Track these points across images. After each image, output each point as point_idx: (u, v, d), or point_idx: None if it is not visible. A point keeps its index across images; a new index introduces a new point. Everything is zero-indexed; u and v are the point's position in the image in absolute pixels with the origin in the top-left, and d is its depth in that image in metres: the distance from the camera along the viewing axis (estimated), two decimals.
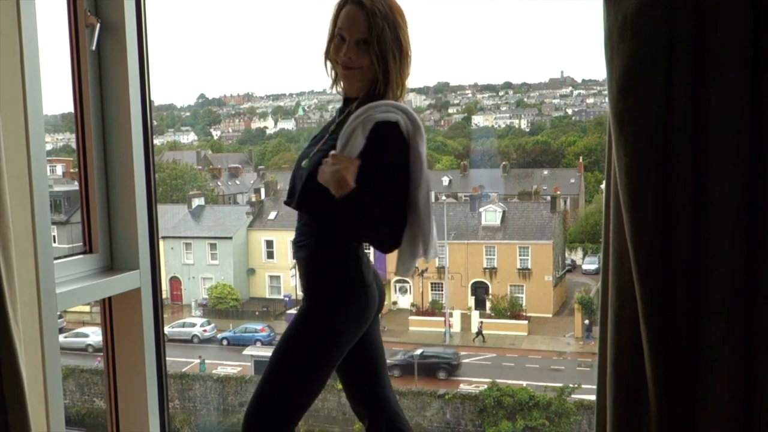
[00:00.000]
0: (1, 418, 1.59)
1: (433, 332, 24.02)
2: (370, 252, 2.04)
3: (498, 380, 19.23)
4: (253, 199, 29.70)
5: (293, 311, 23.87)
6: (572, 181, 33.43)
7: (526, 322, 24.27)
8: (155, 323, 2.42)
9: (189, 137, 44.76)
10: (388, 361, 2.25)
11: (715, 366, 1.49)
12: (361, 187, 1.80)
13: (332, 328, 1.90)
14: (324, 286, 1.92)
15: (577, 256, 29.22)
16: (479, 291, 26.09)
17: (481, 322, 23.91)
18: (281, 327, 23.42)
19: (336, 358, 1.95)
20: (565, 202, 30.54)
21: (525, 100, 49.70)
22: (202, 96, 52.12)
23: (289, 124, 48.76)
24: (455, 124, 46.33)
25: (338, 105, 2.03)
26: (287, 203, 1.98)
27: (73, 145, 2.40)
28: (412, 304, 25.82)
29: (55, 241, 2.02)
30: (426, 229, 1.90)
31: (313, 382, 1.93)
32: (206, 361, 22.15)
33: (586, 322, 23.43)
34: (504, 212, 26.49)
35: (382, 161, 1.84)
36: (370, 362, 2.08)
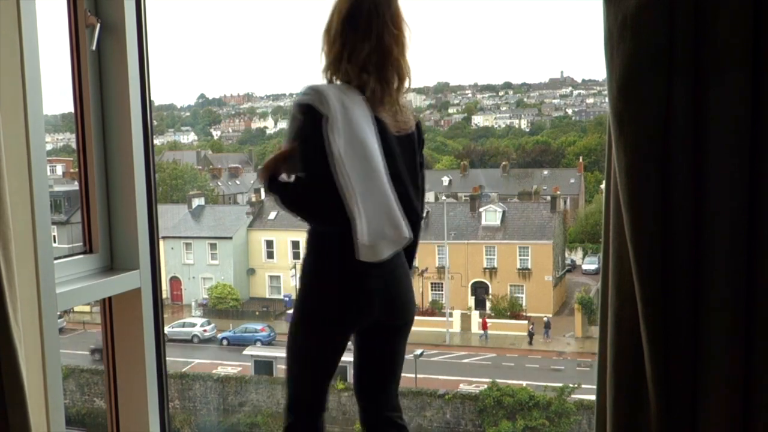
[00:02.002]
0: (2, 418, 1.59)
1: (434, 332, 24.00)
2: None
3: (498, 380, 19.22)
4: (253, 199, 29.63)
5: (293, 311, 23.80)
6: (572, 181, 33.39)
7: (526, 322, 24.25)
8: (155, 323, 2.43)
9: (189, 137, 44.68)
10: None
11: (715, 366, 1.49)
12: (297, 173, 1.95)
13: (307, 319, 2.04)
14: (303, 277, 2.03)
15: (577, 256, 29.18)
16: (479, 291, 26.07)
17: (532, 325, 23.76)
18: (281, 327, 23.37)
19: (321, 344, 2.05)
20: (565, 202, 30.51)
21: (525, 100, 49.62)
22: (202, 96, 52.02)
23: None
24: (455, 124, 46.31)
25: None
26: None
27: (73, 145, 2.39)
28: None
29: (55, 241, 2.02)
30: (366, 205, 1.85)
31: (308, 369, 2.10)
32: (206, 361, 22.14)
33: (546, 318, 23.51)
34: (504, 212, 26.48)
35: (301, 142, 1.94)
36: (380, 360, 2.16)
